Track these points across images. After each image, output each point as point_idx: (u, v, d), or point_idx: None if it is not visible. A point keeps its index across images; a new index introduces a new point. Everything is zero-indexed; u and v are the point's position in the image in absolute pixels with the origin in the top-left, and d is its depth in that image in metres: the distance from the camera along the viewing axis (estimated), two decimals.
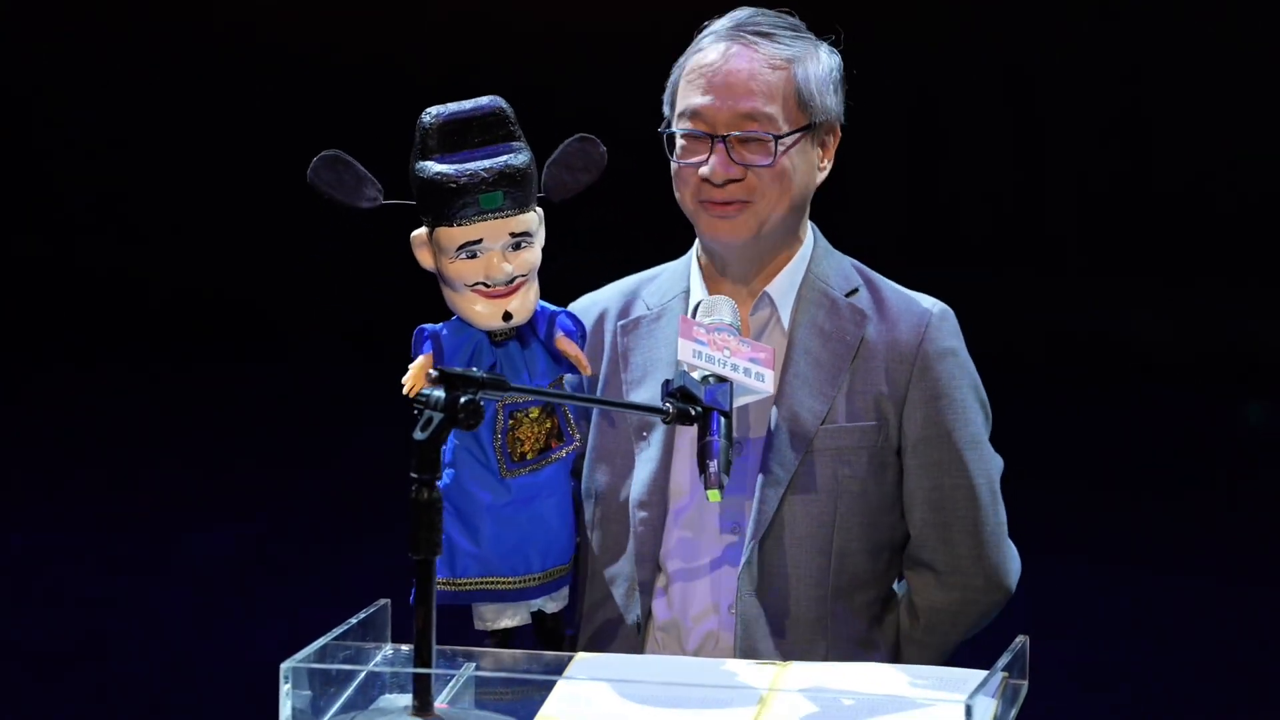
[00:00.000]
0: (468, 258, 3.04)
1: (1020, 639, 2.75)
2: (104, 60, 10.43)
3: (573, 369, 3.12)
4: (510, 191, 3.02)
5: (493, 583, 3.10)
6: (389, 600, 2.95)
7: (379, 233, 3.13)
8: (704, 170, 3.16)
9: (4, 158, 10.57)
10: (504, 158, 3.03)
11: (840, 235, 3.36)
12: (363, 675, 2.79)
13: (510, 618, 3.13)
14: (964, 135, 9.91)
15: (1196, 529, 7.49)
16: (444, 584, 3.06)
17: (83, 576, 6.95)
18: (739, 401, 2.99)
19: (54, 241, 10.63)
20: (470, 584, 3.09)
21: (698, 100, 3.17)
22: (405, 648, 2.81)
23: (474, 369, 2.77)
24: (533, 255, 3.07)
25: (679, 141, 3.19)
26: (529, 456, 3.09)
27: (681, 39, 3.31)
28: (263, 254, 10.57)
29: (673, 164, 3.21)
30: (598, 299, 3.36)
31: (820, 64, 3.21)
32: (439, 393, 2.60)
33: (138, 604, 6.72)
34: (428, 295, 3.15)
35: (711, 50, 3.18)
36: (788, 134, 3.16)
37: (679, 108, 3.19)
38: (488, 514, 3.07)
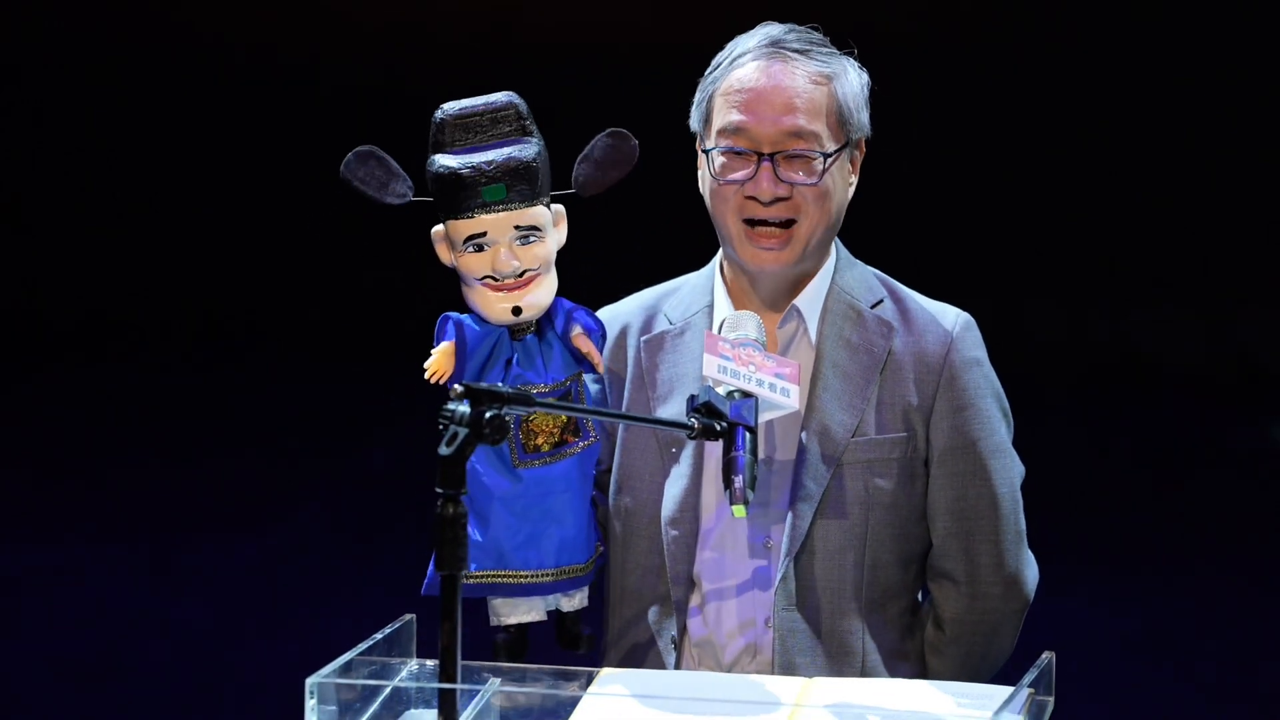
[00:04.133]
0: (474, 250, 3.05)
1: (1046, 655, 2.74)
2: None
3: (591, 367, 3.12)
4: (513, 185, 3.03)
5: (504, 576, 3.09)
6: (414, 615, 2.95)
7: (397, 239, 3.13)
8: (750, 189, 3.16)
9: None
10: (509, 149, 3.04)
11: (859, 245, 3.36)
12: (388, 691, 2.79)
13: (524, 613, 3.12)
14: (978, 153, 9.89)
15: (1224, 545, 7.46)
16: None
17: (103, 590, 6.96)
18: (764, 417, 2.98)
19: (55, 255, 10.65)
20: (482, 576, 3.07)
21: (739, 117, 3.16)
22: (430, 663, 2.81)
23: (500, 384, 2.76)
24: (543, 250, 3.07)
25: (718, 159, 3.18)
26: (543, 448, 3.08)
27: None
28: (279, 265, 10.58)
29: (710, 181, 3.20)
30: (618, 312, 3.35)
31: (854, 80, 3.22)
32: (464, 408, 2.59)
33: (159, 618, 6.72)
34: (444, 302, 3.15)
35: (751, 67, 3.17)
36: (834, 152, 3.17)
37: (717, 124, 3.18)
38: (499, 503, 3.06)
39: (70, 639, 6.55)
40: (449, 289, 3.26)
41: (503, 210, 3.04)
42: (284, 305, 10.55)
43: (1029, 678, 2.69)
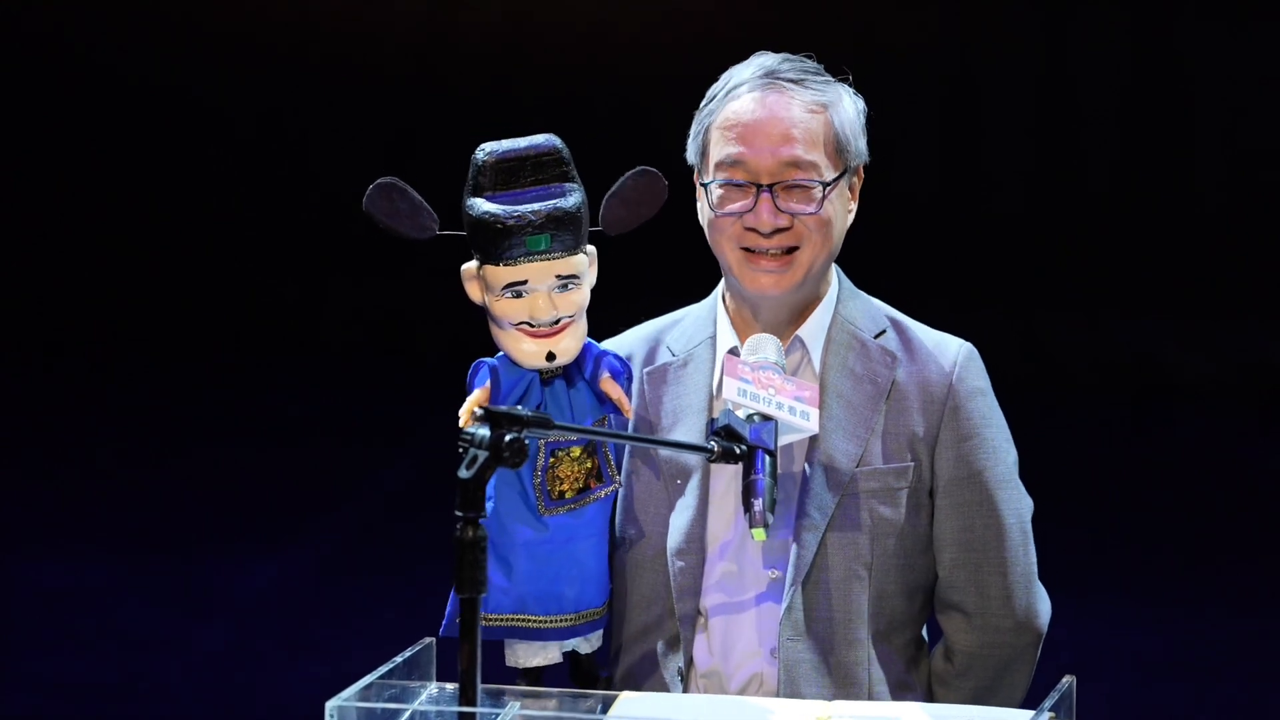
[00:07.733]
0: (513, 296, 3.04)
1: (1067, 679, 2.74)
2: None
3: (616, 410, 3.12)
4: (558, 234, 3.02)
5: (525, 620, 3.09)
6: (434, 639, 2.95)
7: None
8: (750, 220, 3.15)
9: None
10: (554, 200, 3.02)
11: (863, 273, 3.36)
12: (408, 714, 2.79)
13: (542, 657, 3.12)
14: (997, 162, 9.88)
15: (1242, 566, 7.44)
16: None
17: (122, 613, 6.96)
18: (783, 440, 2.98)
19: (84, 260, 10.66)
20: (502, 620, 3.08)
21: (737, 150, 3.16)
22: (450, 687, 2.81)
23: (519, 407, 2.77)
24: (579, 296, 3.07)
25: (716, 192, 3.19)
26: (568, 495, 3.08)
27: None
28: (304, 278, 10.60)
29: (709, 214, 3.20)
30: (620, 345, 3.34)
31: (850, 107, 3.22)
32: (484, 431, 2.60)
33: (177, 639, 6.72)
34: (450, 316, 3.15)
35: (747, 99, 3.17)
36: (832, 180, 3.17)
37: (715, 158, 3.18)
38: (524, 550, 3.06)
39: (86, 659, 6.55)
40: (455, 301, 3.25)
41: (546, 260, 3.03)
42: (301, 315, 10.57)
43: (1049, 702, 2.69)
